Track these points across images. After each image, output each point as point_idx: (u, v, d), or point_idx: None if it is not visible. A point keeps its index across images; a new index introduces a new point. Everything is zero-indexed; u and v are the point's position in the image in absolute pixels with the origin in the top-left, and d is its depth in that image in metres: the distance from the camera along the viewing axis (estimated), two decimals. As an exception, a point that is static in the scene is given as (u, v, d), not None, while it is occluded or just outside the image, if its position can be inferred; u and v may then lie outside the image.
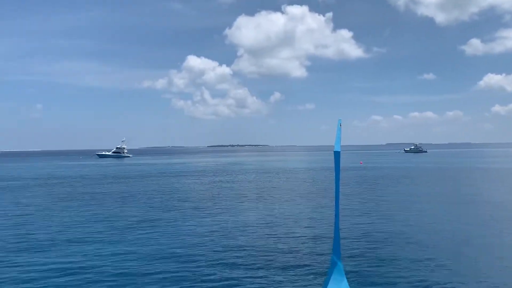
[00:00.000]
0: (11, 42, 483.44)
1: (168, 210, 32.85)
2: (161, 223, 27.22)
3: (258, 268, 17.15)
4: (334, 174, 6.92)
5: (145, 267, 17.65)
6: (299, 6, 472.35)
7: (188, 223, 27.33)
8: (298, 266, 17.30)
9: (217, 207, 33.94)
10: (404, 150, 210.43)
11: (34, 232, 24.72)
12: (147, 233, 24.34)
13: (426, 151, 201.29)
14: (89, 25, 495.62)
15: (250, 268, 17.17)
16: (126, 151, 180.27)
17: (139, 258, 18.99)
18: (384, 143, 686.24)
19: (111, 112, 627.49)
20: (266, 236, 23.01)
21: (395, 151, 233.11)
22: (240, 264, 17.75)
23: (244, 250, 20.06)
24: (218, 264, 17.99)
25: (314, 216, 29.01)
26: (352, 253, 19.06)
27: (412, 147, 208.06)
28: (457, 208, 31.73)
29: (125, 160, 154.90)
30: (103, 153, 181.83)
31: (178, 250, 20.15)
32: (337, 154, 6.65)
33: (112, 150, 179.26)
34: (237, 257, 18.86)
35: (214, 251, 20.16)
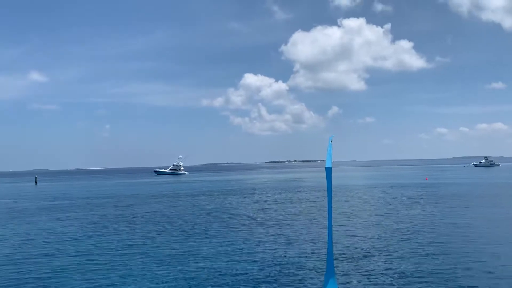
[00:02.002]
0: (84, 66, 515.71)
1: (211, 230, 29.17)
2: (200, 246, 23.58)
3: None
4: (326, 191, 6.63)
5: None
6: (355, 19, 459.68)
7: (233, 245, 23.46)
8: None
9: (265, 229, 29.78)
10: (474, 164, 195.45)
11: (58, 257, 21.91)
12: (186, 256, 20.82)
13: (498, 165, 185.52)
14: (153, 48, 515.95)
15: None
16: (182, 168, 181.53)
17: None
18: (450, 157, 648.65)
19: (172, 130, 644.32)
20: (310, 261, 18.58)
21: (463, 165, 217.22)
22: None
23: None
24: None
25: (373, 241, 24.03)
26: None
27: (483, 160, 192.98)
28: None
29: (181, 177, 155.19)
30: (161, 170, 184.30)
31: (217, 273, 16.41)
32: (328, 171, 6.44)
33: (169, 168, 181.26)
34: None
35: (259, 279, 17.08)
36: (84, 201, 61.51)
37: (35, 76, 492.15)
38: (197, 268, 20.65)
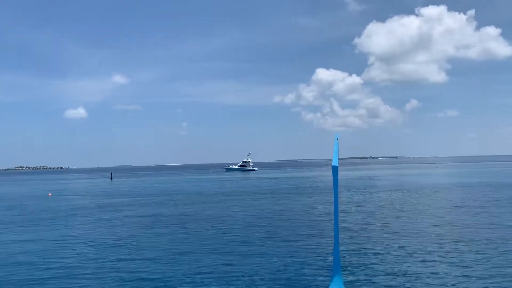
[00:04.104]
0: (161, 68, 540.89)
1: (267, 238, 24.18)
2: (249, 260, 18.73)
3: None
4: (333, 189, 6.72)
5: None
6: (435, 7, 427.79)
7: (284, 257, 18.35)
8: None
9: (328, 236, 24.18)
10: None
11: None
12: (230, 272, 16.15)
13: None
14: (225, 48, 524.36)
15: None
16: (251, 164, 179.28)
17: None
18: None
19: (245, 128, 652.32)
20: None
21: None
22: None
23: None
24: None
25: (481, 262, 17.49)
26: None
27: None
28: None
29: (250, 174, 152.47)
30: (230, 166, 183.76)
31: None
32: (335, 169, 6.34)
33: (239, 164, 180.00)
34: None
35: None
36: (147, 198, 59.44)
37: (118, 79, 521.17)
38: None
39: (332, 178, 6.58)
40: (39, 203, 56.24)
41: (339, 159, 6.62)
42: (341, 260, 6.50)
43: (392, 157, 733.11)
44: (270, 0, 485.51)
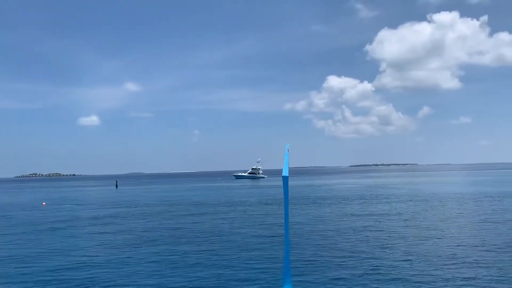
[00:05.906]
0: (174, 76, 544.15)
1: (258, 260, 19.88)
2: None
3: None
4: (283, 199, 6.42)
5: None
6: (448, 13, 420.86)
7: None
8: None
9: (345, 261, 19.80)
10: None
11: None
12: None
13: None
14: (238, 56, 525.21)
15: None
16: (261, 172, 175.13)
17: None
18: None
19: (256, 135, 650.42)
20: None
21: None
22: None
23: None
24: None
25: None
26: None
27: None
28: None
29: (260, 182, 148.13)
30: (240, 174, 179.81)
31: None
32: (285, 179, 6.34)
33: (248, 171, 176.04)
34: None
35: None
36: (144, 208, 55.43)
37: (131, 87, 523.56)
38: None
39: (282, 188, 6.16)
40: (29, 214, 52.62)
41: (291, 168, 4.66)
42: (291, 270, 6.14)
43: (405, 165, 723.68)
44: (282, 8, 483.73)
